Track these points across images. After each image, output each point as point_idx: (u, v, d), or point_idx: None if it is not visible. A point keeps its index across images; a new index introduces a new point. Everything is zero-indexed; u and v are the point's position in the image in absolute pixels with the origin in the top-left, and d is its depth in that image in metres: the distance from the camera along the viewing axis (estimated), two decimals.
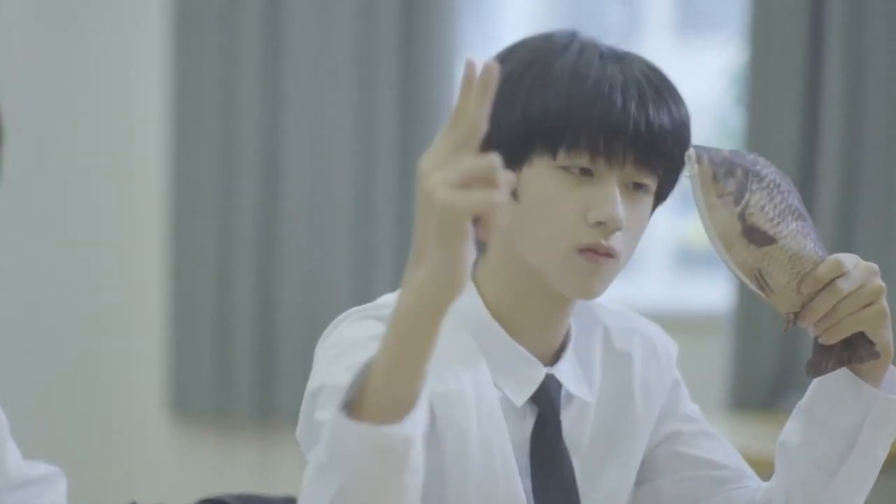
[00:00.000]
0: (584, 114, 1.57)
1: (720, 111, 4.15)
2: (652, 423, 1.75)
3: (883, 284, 1.58)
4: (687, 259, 4.14)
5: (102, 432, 4.49)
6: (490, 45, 4.36)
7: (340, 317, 1.64)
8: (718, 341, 3.73)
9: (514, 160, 1.59)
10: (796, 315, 1.58)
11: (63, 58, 4.40)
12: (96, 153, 4.47)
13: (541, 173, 1.59)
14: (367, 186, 4.09)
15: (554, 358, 1.68)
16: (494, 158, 1.25)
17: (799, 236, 1.56)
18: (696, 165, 1.54)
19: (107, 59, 4.48)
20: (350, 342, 1.59)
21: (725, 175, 1.54)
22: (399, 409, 1.33)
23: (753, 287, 1.57)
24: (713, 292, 3.86)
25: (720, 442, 1.77)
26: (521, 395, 1.65)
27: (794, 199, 1.57)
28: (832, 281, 1.57)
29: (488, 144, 1.49)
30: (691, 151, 1.54)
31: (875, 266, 1.59)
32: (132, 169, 4.51)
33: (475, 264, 1.66)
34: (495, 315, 1.66)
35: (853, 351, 1.60)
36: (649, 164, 1.60)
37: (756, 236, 1.54)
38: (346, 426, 1.35)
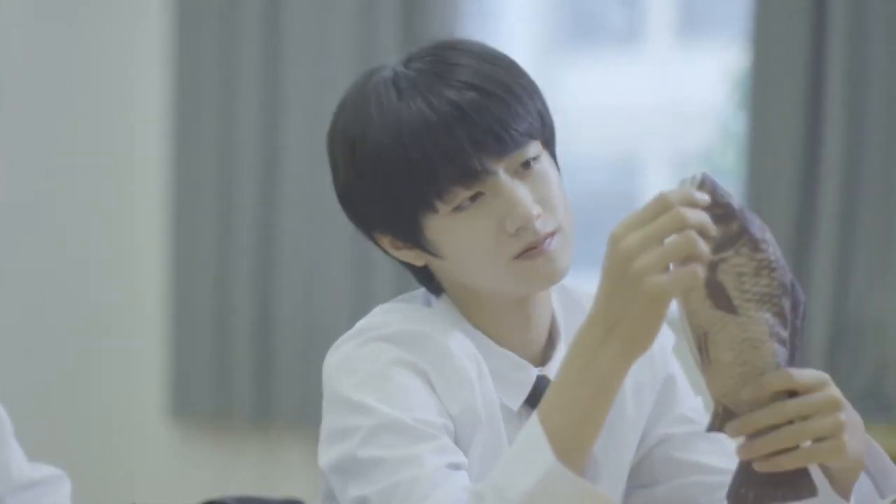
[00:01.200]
0: (426, 168, 1.55)
1: (722, 115, 4.14)
2: (643, 424, 1.74)
3: (844, 420, 1.45)
4: None
5: (102, 435, 4.48)
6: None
7: (343, 339, 1.64)
8: None
9: (411, 231, 1.60)
10: (725, 411, 1.44)
11: (63, 58, 4.39)
12: (96, 155, 4.47)
13: (439, 227, 1.59)
14: None
15: (543, 356, 1.68)
16: (692, 234, 1.32)
17: (765, 329, 1.41)
18: (697, 180, 1.41)
19: (107, 60, 4.47)
20: (369, 371, 1.58)
21: (718, 219, 1.38)
22: (583, 463, 1.41)
23: (693, 347, 1.43)
24: None
25: (716, 442, 1.76)
26: (517, 399, 1.65)
27: (785, 302, 1.41)
28: (782, 397, 1.44)
29: (381, 228, 1.61)
30: (698, 175, 1.40)
31: (841, 400, 1.46)
32: (132, 171, 4.50)
33: (441, 290, 1.68)
34: (478, 326, 1.66)
35: (790, 485, 1.45)
36: (515, 147, 1.57)
37: (718, 296, 1.40)
38: (563, 476, 1.40)
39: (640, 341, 1.37)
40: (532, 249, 1.58)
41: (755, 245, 1.40)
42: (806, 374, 1.45)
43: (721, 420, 1.45)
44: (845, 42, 3.51)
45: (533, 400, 1.65)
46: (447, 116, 1.55)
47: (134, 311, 4.50)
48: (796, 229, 3.60)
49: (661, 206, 1.35)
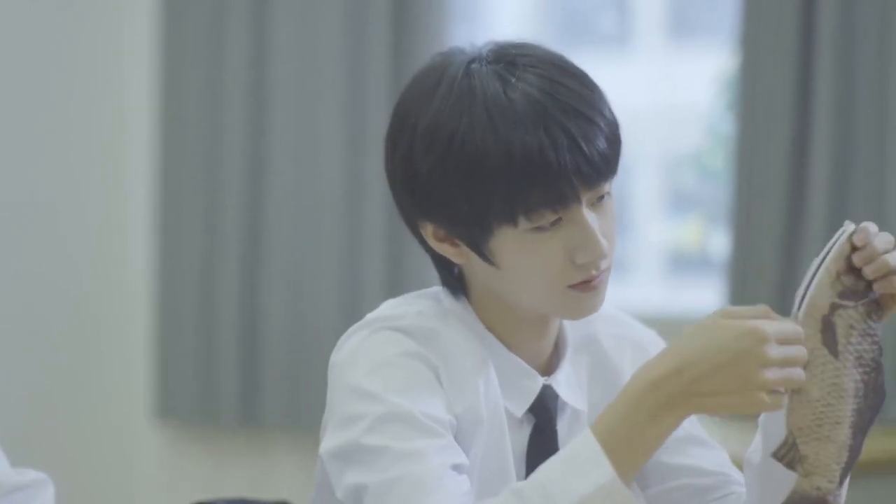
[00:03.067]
0: (526, 185, 1.54)
1: (711, 117, 4.15)
2: None
3: None
4: (679, 263, 4.14)
5: (90, 438, 4.48)
6: None
7: (352, 329, 1.63)
8: None
9: (480, 236, 1.58)
10: (793, 446, 1.51)
11: (50, 58, 4.38)
12: (82, 157, 4.46)
13: (510, 240, 1.58)
14: (355, 193, 4.08)
15: (548, 365, 1.69)
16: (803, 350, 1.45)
17: (852, 386, 1.50)
18: (849, 236, 1.51)
19: (93, 61, 4.46)
20: (379, 360, 1.58)
21: (855, 269, 1.51)
22: (626, 481, 1.47)
23: None
24: (705, 296, 3.86)
25: (707, 446, 1.76)
26: (521, 406, 1.66)
27: (873, 378, 1.51)
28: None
29: (447, 223, 1.58)
30: (864, 225, 1.51)
31: None
32: (118, 173, 4.49)
33: (463, 290, 1.67)
34: (492, 330, 1.66)
35: None
36: (603, 182, 1.58)
37: (828, 334, 1.51)
38: (619, 490, 1.45)
39: (709, 410, 1.46)
40: (587, 283, 1.59)
41: (871, 312, 1.52)
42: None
43: (787, 451, 1.52)
44: (833, 45, 3.52)
45: (536, 408, 1.66)
46: (559, 142, 1.54)
47: (121, 314, 4.49)
48: (785, 231, 3.60)
49: (794, 336, 1.46)
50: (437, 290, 1.70)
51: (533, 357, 1.67)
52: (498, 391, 1.63)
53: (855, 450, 1.51)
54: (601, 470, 1.44)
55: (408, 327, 1.60)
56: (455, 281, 1.67)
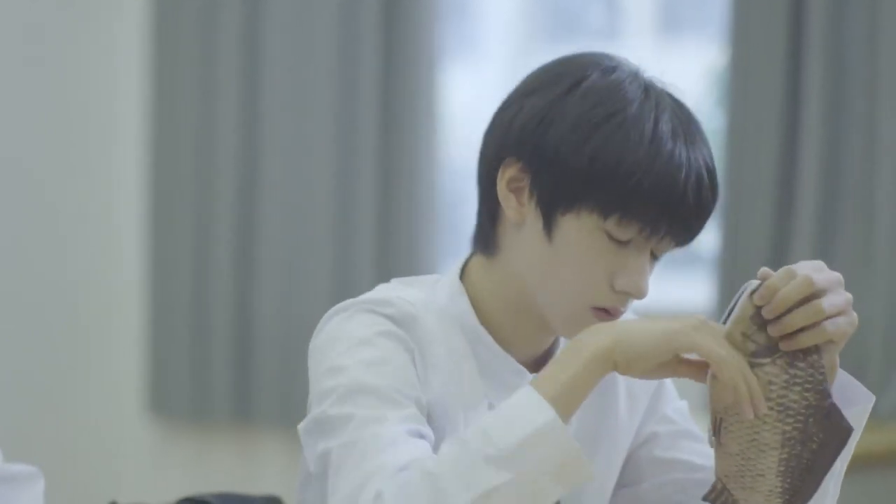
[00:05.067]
0: (650, 194, 1.55)
1: (701, 113, 4.14)
2: (636, 426, 1.75)
3: (850, 297, 1.50)
4: (668, 259, 4.14)
5: (82, 432, 4.48)
6: (471, 48, 4.36)
7: (333, 310, 1.63)
8: None
9: (563, 203, 1.58)
10: (723, 489, 1.51)
11: (42, 59, 4.38)
12: (75, 152, 4.46)
13: (583, 227, 1.57)
14: (346, 189, 4.08)
15: (539, 362, 1.68)
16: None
17: (778, 438, 1.47)
18: (749, 295, 1.48)
19: (85, 60, 4.46)
20: (357, 339, 1.58)
21: (765, 325, 1.47)
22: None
23: (710, 421, 1.51)
24: (694, 292, 3.86)
25: (699, 441, 1.77)
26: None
27: (812, 422, 1.46)
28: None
29: (538, 174, 1.57)
30: (765, 282, 1.47)
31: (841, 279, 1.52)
32: (111, 171, 4.49)
33: (470, 265, 1.67)
34: (483, 321, 1.65)
35: None
36: (682, 242, 1.62)
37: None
38: (560, 432, 1.44)
39: (642, 355, 1.48)
40: (605, 312, 1.60)
41: (791, 360, 1.46)
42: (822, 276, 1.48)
43: (718, 495, 1.52)
44: (823, 39, 3.53)
45: None
46: (692, 189, 1.57)
47: (113, 308, 4.49)
48: (774, 226, 3.61)
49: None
50: (437, 277, 1.70)
51: (525, 354, 1.67)
52: (479, 384, 1.63)
53: (800, 490, 1.48)
54: (542, 413, 1.44)
55: (390, 312, 1.60)
56: (489, 242, 1.65)
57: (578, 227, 1.57)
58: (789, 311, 1.46)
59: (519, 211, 1.60)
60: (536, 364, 1.68)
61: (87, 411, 4.49)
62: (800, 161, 3.59)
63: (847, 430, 1.48)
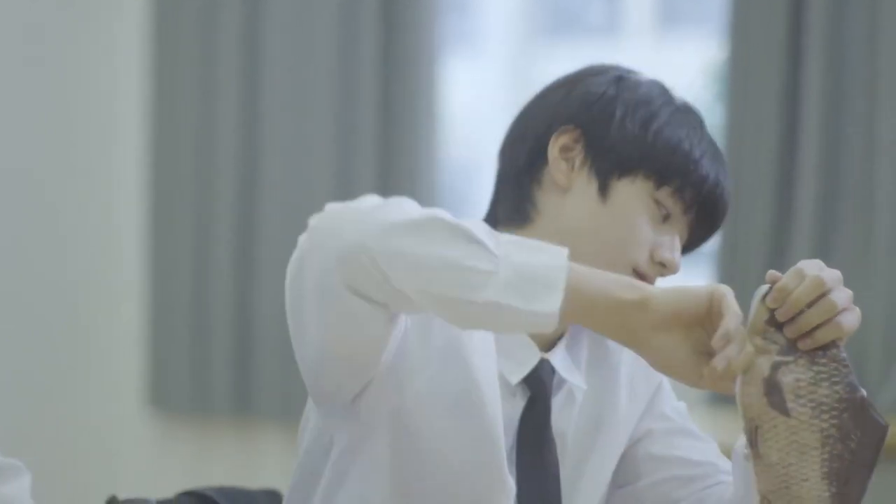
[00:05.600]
0: (701, 177, 1.68)
1: (700, 108, 4.15)
2: (635, 420, 1.75)
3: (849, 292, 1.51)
4: None
5: (81, 426, 4.48)
6: (471, 45, 4.36)
7: None
8: None
9: (621, 170, 1.68)
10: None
11: (41, 59, 4.38)
12: (75, 147, 4.46)
13: (637, 192, 1.68)
14: (346, 188, 4.08)
15: (549, 344, 1.69)
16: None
17: (818, 437, 1.45)
18: (761, 300, 1.48)
19: (85, 59, 4.46)
20: None
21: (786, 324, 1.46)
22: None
23: (745, 435, 1.49)
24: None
25: (696, 438, 1.78)
26: (516, 374, 1.66)
27: (847, 417, 1.46)
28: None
29: (597, 144, 1.66)
30: (776, 284, 1.47)
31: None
32: (111, 162, 4.50)
33: (521, 219, 1.71)
34: None
35: None
36: (703, 233, 1.73)
37: (773, 395, 1.46)
38: (562, 262, 1.42)
39: (644, 347, 1.46)
40: (642, 277, 1.67)
41: (812, 357, 1.46)
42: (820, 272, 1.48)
43: None
44: (822, 35, 3.53)
45: (531, 380, 1.67)
46: (722, 175, 1.73)
47: (113, 304, 4.50)
48: (774, 222, 3.61)
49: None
50: None
51: (537, 334, 1.68)
52: (494, 356, 1.63)
53: (847, 495, 1.47)
54: (558, 253, 1.43)
55: None
56: (521, 207, 1.71)
57: (633, 192, 1.67)
58: (801, 312, 1.46)
59: (569, 176, 1.68)
60: (548, 344, 1.69)
61: (88, 406, 4.49)
62: (799, 157, 3.59)
63: (883, 427, 1.48)
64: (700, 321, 1.45)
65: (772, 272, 1.49)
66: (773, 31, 3.59)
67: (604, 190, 1.67)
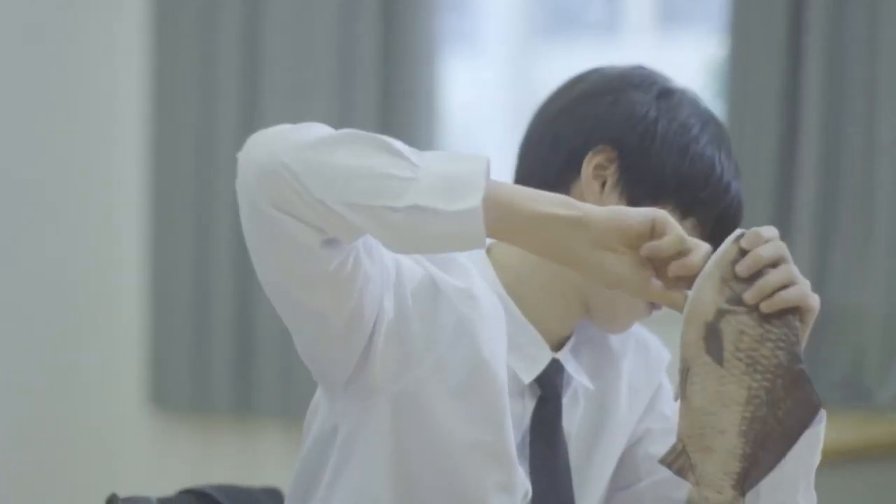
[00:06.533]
0: (730, 194, 1.70)
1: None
2: (634, 421, 1.76)
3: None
4: None
5: (82, 424, 4.48)
6: (471, 44, 4.36)
7: None
8: None
9: (652, 196, 1.65)
10: (682, 451, 1.45)
11: (40, 58, 4.38)
12: (75, 145, 4.46)
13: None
14: None
15: (558, 344, 1.69)
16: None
17: (744, 394, 1.42)
18: (736, 239, 1.47)
19: (85, 58, 4.46)
20: None
21: (747, 278, 1.44)
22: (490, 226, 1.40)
23: (677, 371, 1.46)
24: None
25: None
26: (529, 373, 1.66)
27: (780, 384, 1.43)
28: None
29: (634, 167, 1.65)
30: (755, 229, 1.47)
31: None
32: (110, 163, 4.50)
33: (495, 247, 1.70)
34: (510, 293, 1.67)
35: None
36: (714, 239, 1.67)
37: (711, 341, 1.44)
38: (477, 182, 1.39)
39: (583, 265, 1.43)
40: (655, 308, 1.66)
41: (767, 315, 1.44)
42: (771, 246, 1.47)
43: (676, 458, 1.46)
44: (823, 33, 3.53)
45: (543, 380, 1.67)
46: (739, 200, 1.76)
47: (113, 300, 4.50)
48: (774, 218, 3.61)
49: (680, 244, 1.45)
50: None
51: (548, 333, 1.68)
52: (505, 351, 1.63)
53: (759, 459, 1.44)
54: (472, 197, 1.41)
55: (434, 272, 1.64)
56: None
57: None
58: (760, 272, 1.45)
59: (599, 196, 1.65)
60: (557, 345, 1.70)
61: (88, 405, 4.49)
62: (799, 156, 3.59)
63: (816, 406, 1.44)
64: (643, 240, 1.45)
65: (754, 230, 1.48)
66: (774, 29, 3.59)
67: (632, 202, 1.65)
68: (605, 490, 1.75)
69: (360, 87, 4.06)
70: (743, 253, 1.45)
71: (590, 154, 1.66)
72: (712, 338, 1.42)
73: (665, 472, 1.75)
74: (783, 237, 3.58)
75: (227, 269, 4.23)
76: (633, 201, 1.65)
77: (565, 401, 1.70)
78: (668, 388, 1.80)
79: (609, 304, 1.65)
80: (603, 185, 1.66)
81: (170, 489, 1.91)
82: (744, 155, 3.63)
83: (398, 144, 1.43)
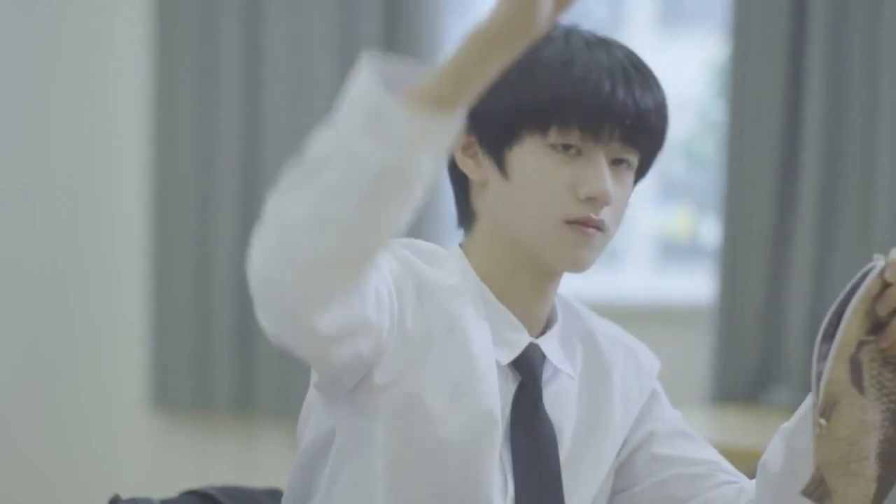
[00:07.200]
0: (575, 95, 1.62)
1: (702, 105, 4.15)
2: (627, 430, 1.76)
3: None
4: (669, 251, 4.15)
5: (83, 424, 4.48)
6: None
7: None
8: (701, 334, 3.74)
9: (505, 140, 1.65)
10: (821, 482, 1.49)
11: (40, 53, 4.38)
12: (75, 145, 4.46)
13: (532, 151, 1.63)
14: None
15: (539, 333, 1.71)
16: None
17: (878, 418, 1.49)
18: (880, 272, 1.48)
19: (85, 54, 4.46)
20: None
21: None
22: (441, 109, 1.36)
23: (817, 410, 1.50)
24: (696, 284, 3.86)
25: (695, 440, 1.78)
26: (506, 356, 1.67)
27: None
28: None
29: (480, 127, 1.63)
30: (882, 262, 1.48)
31: None
32: (112, 161, 4.50)
33: (464, 236, 1.73)
34: (484, 280, 1.69)
35: None
36: (634, 141, 1.65)
37: (855, 371, 1.49)
38: (384, 102, 1.36)
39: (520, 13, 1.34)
40: (581, 224, 1.63)
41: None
42: None
43: (816, 487, 1.50)
44: (824, 32, 3.53)
45: (521, 364, 1.68)
46: (617, 77, 1.63)
47: (114, 301, 4.50)
48: (776, 219, 3.61)
49: None
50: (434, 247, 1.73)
51: (526, 318, 1.69)
52: (490, 339, 1.65)
53: (886, 478, 1.50)
54: (361, 76, 1.40)
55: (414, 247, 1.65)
56: (467, 213, 1.72)
57: (527, 153, 1.64)
58: None
59: (479, 171, 1.68)
60: (539, 333, 1.71)
61: (90, 403, 4.50)
62: (801, 154, 3.59)
63: None
64: None
65: (878, 255, 1.49)
66: (775, 27, 3.59)
67: (502, 168, 1.65)
68: (596, 491, 1.75)
69: None
70: (885, 284, 1.48)
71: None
72: (855, 369, 1.48)
73: (669, 472, 1.75)
74: (784, 237, 3.58)
75: (228, 269, 4.23)
76: (496, 156, 1.65)
77: (553, 389, 1.70)
78: (663, 396, 1.81)
79: (537, 239, 1.65)
80: (478, 161, 1.68)
81: (171, 487, 1.91)
82: (745, 153, 3.63)
83: (309, 153, 1.42)
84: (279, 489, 1.94)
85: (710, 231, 3.98)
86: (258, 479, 2.09)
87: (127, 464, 4.50)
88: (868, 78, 3.51)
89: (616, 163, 1.65)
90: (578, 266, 1.65)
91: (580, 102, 1.62)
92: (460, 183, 1.73)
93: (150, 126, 4.40)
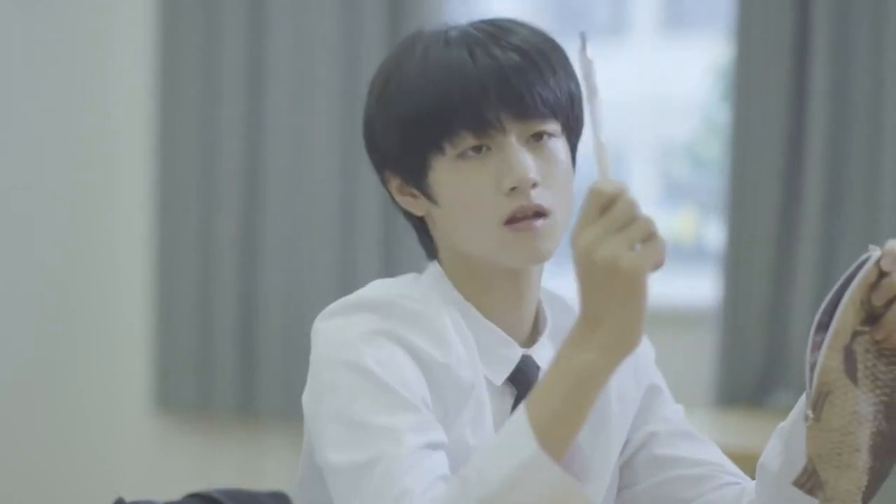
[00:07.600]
0: (444, 102, 1.59)
1: (706, 107, 4.15)
2: (626, 430, 1.75)
3: None
4: (673, 254, 4.14)
5: (87, 426, 4.48)
6: None
7: (331, 309, 1.63)
8: (705, 336, 3.74)
9: (417, 170, 1.63)
10: (813, 473, 1.50)
11: (43, 53, 4.38)
12: (79, 147, 4.46)
13: (445, 169, 1.61)
14: (350, 180, 4.09)
15: (529, 341, 1.69)
16: (645, 217, 1.37)
17: (871, 410, 1.48)
18: (876, 261, 1.48)
19: (89, 54, 4.47)
20: (360, 333, 1.58)
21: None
22: (565, 454, 1.41)
23: (809, 401, 1.50)
24: (699, 287, 3.86)
25: (697, 440, 1.77)
26: (500, 374, 1.66)
27: (891, 421, 1.49)
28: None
29: (393, 166, 1.64)
30: (890, 247, 1.48)
31: None
32: (115, 163, 4.50)
33: (436, 259, 1.70)
34: (468, 300, 1.67)
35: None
36: (534, 115, 1.61)
37: (849, 361, 1.48)
38: (544, 464, 1.40)
39: (626, 333, 1.39)
40: (522, 221, 1.59)
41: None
42: None
43: (808, 479, 1.51)
44: (829, 34, 3.52)
45: (516, 378, 1.66)
46: (484, 68, 1.59)
47: (118, 303, 4.50)
48: (780, 220, 3.61)
49: (606, 198, 1.37)
50: (414, 274, 1.72)
51: (511, 329, 1.67)
52: (477, 358, 1.63)
53: (878, 471, 1.50)
54: (525, 444, 1.40)
55: (388, 309, 1.61)
56: (429, 242, 1.71)
57: (442, 173, 1.61)
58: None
59: (417, 205, 1.67)
60: (527, 343, 1.69)
61: (93, 405, 4.50)
62: (805, 156, 3.59)
63: None
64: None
65: (873, 247, 1.49)
66: (780, 29, 3.59)
67: (428, 195, 1.64)
68: (607, 486, 1.74)
69: (364, 85, 4.05)
70: (882, 274, 1.48)
71: (387, 186, 1.70)
72: (849, 359, 1.48)
73: (671, 472, 1.74)
74: (789, 238, 3.58)
75: (231, 271, 4.23)
76: (419, 187, 1.64)
77: None
78: (665, 390, 1.79)
79: (486, 248, 1.62)
80: (413, 195, 1.67)
81: (175, 489, 1.90)
82: (750, 155, 3.63)
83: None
84: (284, 493, 1.94)
85: (714, 233, 3.98)
86: (261, 482, 2.09)
87: (130, 466, 4.50)
88: (872, 80, 3.51)
89: (536, 137, 1.61)
90: (537, 258, 1.63)
91: (453, 107, 1.59)
92: (412, 219, 1.71)
93: (153, 127, 4.40)
